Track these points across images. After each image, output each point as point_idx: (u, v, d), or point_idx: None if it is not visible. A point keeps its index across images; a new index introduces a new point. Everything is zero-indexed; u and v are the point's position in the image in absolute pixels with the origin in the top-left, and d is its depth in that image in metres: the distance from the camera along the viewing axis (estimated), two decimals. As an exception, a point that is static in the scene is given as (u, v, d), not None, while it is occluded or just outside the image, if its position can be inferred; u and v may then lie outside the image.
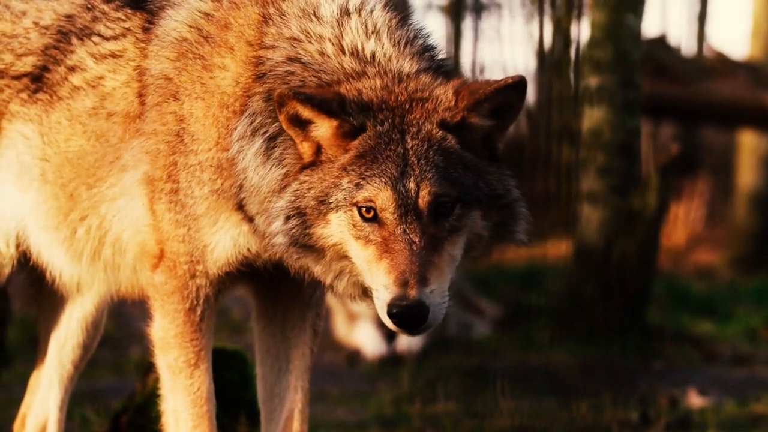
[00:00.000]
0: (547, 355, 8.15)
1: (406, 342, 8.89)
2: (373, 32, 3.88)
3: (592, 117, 8.60)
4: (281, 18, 3.96)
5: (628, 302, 8.53)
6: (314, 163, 3.78)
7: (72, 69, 4.24)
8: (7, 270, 4.46)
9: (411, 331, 3.66)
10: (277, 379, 4.25)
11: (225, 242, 3.98)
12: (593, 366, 7.94)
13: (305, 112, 3.74)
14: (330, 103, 3.73)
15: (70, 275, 4.36)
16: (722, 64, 12.29)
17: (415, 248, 3.63)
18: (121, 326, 8.47)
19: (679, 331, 9.07)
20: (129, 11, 4.23)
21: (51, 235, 4.28)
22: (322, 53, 3.87)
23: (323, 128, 3.76)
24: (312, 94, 3.74)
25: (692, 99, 12.14)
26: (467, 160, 3.73)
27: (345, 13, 3.92)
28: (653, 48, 11.83)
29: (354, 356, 8.82)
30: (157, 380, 4.21)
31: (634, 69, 8.64)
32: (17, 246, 4.40)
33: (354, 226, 3.70)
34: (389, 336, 8.94)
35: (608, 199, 8.55)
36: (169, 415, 4.09)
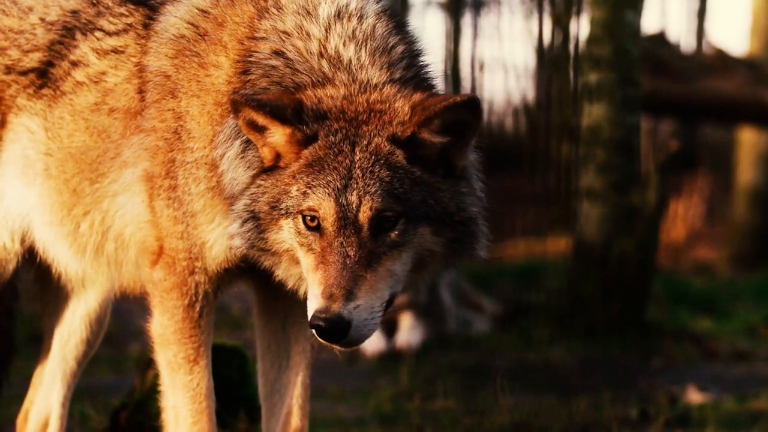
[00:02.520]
0: (546, 352, 8.14)
1: (405, 339, 8.89)
2: (355, 39, 3.85)
3: (592, 114, 8.60)
4: (278, 11, 3.95)
5: (627, 299, 8.53)
6: (272, 168, 3.78)
7: (75, 64, 4.25)
8: (12, 265, 4.47)
9: (333, 344, 3.66)
10: (277, 374, 4.26)
11: (223, 239, 3.97)
12: (593, 363, 7.94)
13: (259, 119, 3.74)
14: (284, 111, 3.72)
15: (75, 270, 4.37)
16: (722, 61, 12.29)
17: (348, 262, 3.61)
18: (121, 323, 8.46)
19: (678, 328, 9.07)
20: (132, 7, 4.24)
21: (55, 230, 4.28)
22: (306, 51, 3.85)
23: (277, 135, 3.76)
24: (266, 101, 3.73)
25: (692, 96, 12.14)
26: (416, 176, 3.69)
27: (338, 16, 3.90)
28: (653, 45, 11.83)
29: (353, 353, 8.81)
30: (156, 377, 4.21)
31: (633, 66, 8.64)
32: (22, 241, 4.41)
33: (299, 233, 3.71)
34: (388, 333, 8.94)
35: (608, 196, 8.54)
36: (169, 411, 4.09)
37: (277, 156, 3.78)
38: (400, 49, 3.88)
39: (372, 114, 3.73)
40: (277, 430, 4.25)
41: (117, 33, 4.22)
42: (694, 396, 6.94)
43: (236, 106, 3.74)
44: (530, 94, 15.29)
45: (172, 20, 4.10)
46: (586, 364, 7.87)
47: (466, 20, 17.59)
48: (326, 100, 3.75)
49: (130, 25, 4.21)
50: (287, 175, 3.73)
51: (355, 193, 3.64)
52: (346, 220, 3.64)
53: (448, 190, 3.72)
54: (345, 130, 3.71)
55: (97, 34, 4.25)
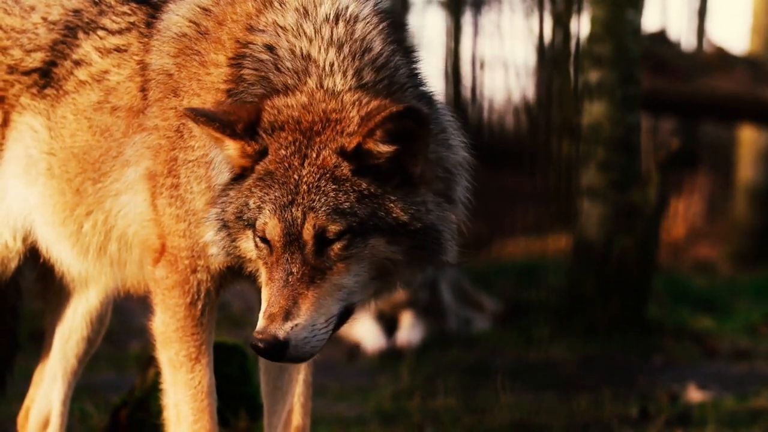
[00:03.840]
0: (546, 351, 8.14)
1: (406, 337, 8.90)
2: (336, 43, 3.80)
3: (592, 112, 8.60)
4: (281, 6, 3.93)
5: (627, 297, 8.54)
6: (239, 177, 3.76)
7: (78, 63, 4.25)
8: (14, 264, 4.47)
9: (276, 361, 3.69)
10: (279, 372, 4.26)
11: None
12: (593, 361, 7.94)
13: (212, 133, 3.73)
14: (234, 126, 3.69)
15: (78, 271, 4.37)
16: (722, 59, 12.29)
17: (291, 279, 3.60)
18: (122, 321, 8.46)
19: (678, 326, 9.07)
20: (134, 5, 4.23)
21: (58, 231, 4.28)
22: (293, 51, 3.81)
23: (231, 149, 3.74)
24: (216, 116, 3.71)
25: (692, 94, 12.14)
26: (363, 189, 3.63)
27: (333, 19, 3.84)
28: (653, 43, 11.83)
29: (354, 351, 8.82)
30: (156, 375, 4.22)
31: (634, 64, 8.64)
32: (24, 240, 4.41)
33: (256, 246, 3.71)
34: (389, 331, 8.95)
35: (608, 195, 8.54)
36: (171, 409, 4.09)
37: (241, 166, 3.77)
38: (379, 51, 3.82)
39: (326, 124, 3.67)
40: (279, 428, 4.26)
41: (120, 31, 4.22)
42: (695, 394, 6.94)
43: (188, 118, 3.74)
44: (531, 93, 15.29)
45: (174, 19, 4.10)
46: (587, 362, 7.88)
47: (467, 18, 17.62)
48: (285, 110, 3.70)
49: (133, 23, 4.21)
50: (246, 187, 3.71)
51: (299, 209, 3.60)
52: (290, 236, 3.61)
53: (401, 200, 3.65)
54: (298, 143, 3.67)
55: (100, 32, 4.25)
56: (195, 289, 4.04)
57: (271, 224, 3.62)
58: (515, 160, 13.22)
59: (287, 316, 3.58)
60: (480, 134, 14.68)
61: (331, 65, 3.76)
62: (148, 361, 5.30)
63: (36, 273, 4.68)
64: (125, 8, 4.24)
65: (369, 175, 3.64)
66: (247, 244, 3.74)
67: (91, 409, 5.98)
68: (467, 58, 16.28)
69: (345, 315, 3.69)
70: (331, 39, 3.81)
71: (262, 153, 3.70)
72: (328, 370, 7.49)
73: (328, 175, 3.62)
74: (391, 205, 3.64)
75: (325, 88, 3.73)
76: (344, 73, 3.75)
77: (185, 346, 4.03)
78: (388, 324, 9.02)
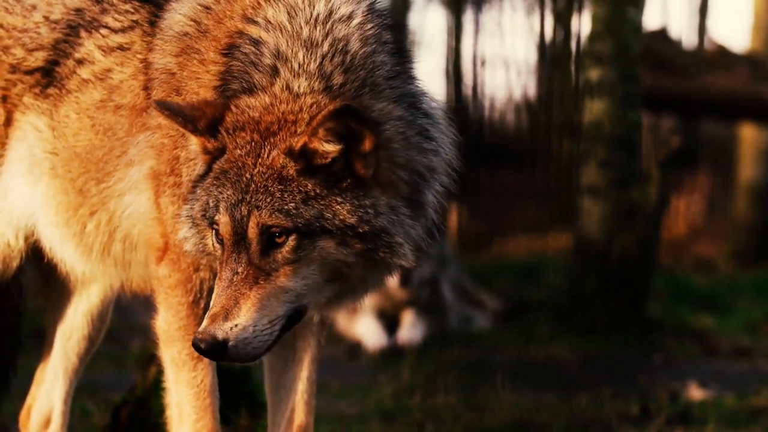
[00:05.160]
0: (547, 349, 8.14)
1: (406, 335, 8.90)
2: (310, 45, 3.79)
3: (593, 110, 8.60)
4: (277, 1, 3.93)
5: (628, 296, 8.54)
6: (205, 174, 3.78)
7: (80, 62, 4.25)
8: (16, 263, 4.47)
9: (219, 361, 3.69)
10: (283, 369, 4.26)
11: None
12: (593, 360, 7.94)
13: (175, 127, 3.79)
14: (196, 121, 3.72)
15: (82, 271, 4.37)
16: (723, 57, 12.29)
17: (235, 279, 3.61)
18: (123, 319, 8.47)
19: (679, 324, 9.07)
20: (137, 3, 4.23)
21: (61, 231, 4.28)
22: (274, 47, 3.81)
23: (193, 144, 3.79)
24: (179, 110, 3.74)
25: (693, 92, 12.14)
26: (308, 190, 3.63)
27: (317, 19, 3.84)
28: (654, 41, 11.83)
29: (355, 349, 8.83)
30: (157, 373, 4.22)
31: (634, 62, 8.64)
32: (26, 239, 4.41)
33: (213, 245, 3.74)
34: (390, 329, 8.96)
35: (609, 193, 8.54)
36: (173, 407, 4.10)
37: (205, 163, 3.79)
38: (355, 52, 3.80)
39: (282, 125, 3.68)
40: (282, 426, 4.25)
41: (123, 30, 4.22)
42: (695, 393, 6.94)
43: (157, 110, 3.78)
44: (531, 91, 15.28)
45: (176, 17, 4.10)
46: (587, 361, 7.88)
47: (468, 17, 17.61)
48: (247, 111, 3.72)
49: (136, 22, 4.21)
50: (206, 185, 3.74)
51: (246, 207, 3.62)
52: (237, 235, 3.63)
53: (348, 202, 3.64)
54: (254, 143, 3.68)
55: (103, 31, 4.25)
56: (197, 288, 4.04)
57: (223, 221, 3.65)
58: (516, 158, 13.22)
59: (227, 316, 3.59)
60: (481, 133, 14.68)
61: (299, 66, 3.76)
62: (149, 359, 5.30)
63: (37, 271, 4.68)
64: (128, 6, 4.24)
65: (316, 176, 3.65)
66: (212, 242, 3.77)
67: (92, 408, 5.97)
68: (468, 57, 16.27)
69: (295, 316, 3.69)
70: (307, 39, 3.80)
71: (222, 151, 3.73)
72: (329, 367, 7.49)
73: (275, 175, 3.64)
74: (338, 207, 3.63)
75: (290, 89, 3.74)
76: (311, 76, 3.75)
77: (188, 344, 4.03)
78: (389, 322, 9.02)
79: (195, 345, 3.61)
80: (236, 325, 3.59)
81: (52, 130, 4.26)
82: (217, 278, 3.68)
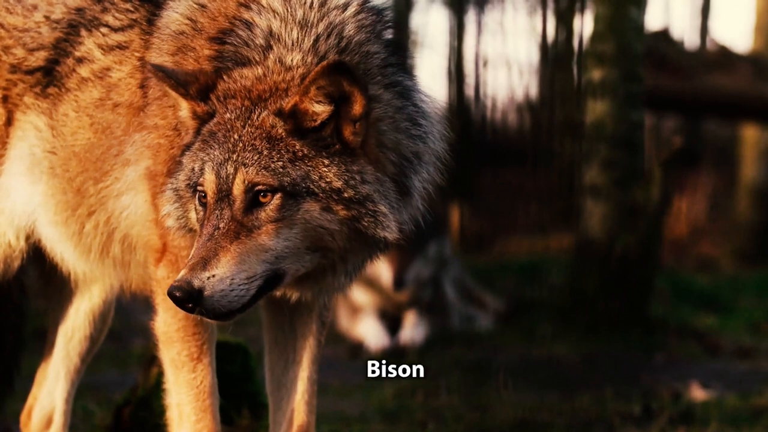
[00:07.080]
0: (549, 349, 8.14)
1: (409, 335, 8.89)
2: (304, 24, 3.82)
3: (595, 110, 8.60)
4: None
5: (630, 295, 8.54)
6: (190, 145, 3.81)
7: (80, 60, 4.25)
8: (17, 263, 4.48)
9: (191, 312, 3.64)
10: (284, 369, 4.25)
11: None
12: (595, 359, 7.94)
13: (168, 91, 3.81)
14: (187, 86, 3.77)
15: (82, 271, 4.38)
16: (725, 57, 12.28)
17: (216, 234, 3.62)
18: (124, 319, 8.47)
19: (681, 324, 9.07)
20: (137, 2, 4.24)
21: (60, 231, 4.28)
22: (266, 28, 3.84)
23: (183, 109, 3.83)
24: (173, 73, 3.78)
25: (695, 92, 12.12)
26: (296, 150, 3.67)
27: (319, 5, 3.86)
28: (656, 41, 11.82)
29: (356, 349, 8.82)
30: (159, 373, 4.22)
31: (636, 62, 8.64)
32: (27, 238, 4.41)
33: (195, 209, 3.75)
34: (392, 329, 8.95)
35: (611, 193, 8.54)
36: (173, 408, 4.10)
37: (197, 131, 3.81)
38: (349, 38, 3.84)
39: (274, 92, 3.73)
40: (283, 425, 4.25)
41: (122, 29, 4.22)
42: (697, 392, 6.94)
43: (151, 72, 3.82)
44: (533, 91, 15.27)
45: (173, 16, 4.10)
46: (589, 360, 7.87)
47: (470, 17, 17.59)
48: (239, 80, 3.76)
49: (135, 20, 4.22)
50: (192, 152, 3.77)
51: (232, 165, 3.65)
52: (222, 192, 3.65)
53: (336, 166, 3.67)
54: (244, 108, 3.72)
55: (103, 30, 4.25)
56: (196, 288, 4.03)
57: (208, 180, 3.67)
58: (518, 158, 13.22)
59: (205, 266, 3.60)
60: (483, 132, 14.69)
61: (293, 43, 3.80)
62: (150, 359, 5.30)
63: (37, 271, 4.68)
64: (128, 5, 4.25)
65: (305, 139, 3.67)
66: (195, 208, 3.77)
67: (93, 408, 5.98)
68: (470, 57, 16.27)
69: (273, 281, 3.69)
70: (302, 20, 3.83)
71: (211, 116, 3.76)
72: (331, 367, 7.49)
73: (264, 134, 3.67)
74: (325, 169, 3.66)
75: (282, 62, 3.77)
76: (305, 52, 3.79)
77: (187, 345, 4.03)
78: (392, 322, 9.02)
79: (170, 294, 3.59)
80: (213, 276, 3.59)
81: (52, 129, 4.26)
82: (197, 235, 3.68)
